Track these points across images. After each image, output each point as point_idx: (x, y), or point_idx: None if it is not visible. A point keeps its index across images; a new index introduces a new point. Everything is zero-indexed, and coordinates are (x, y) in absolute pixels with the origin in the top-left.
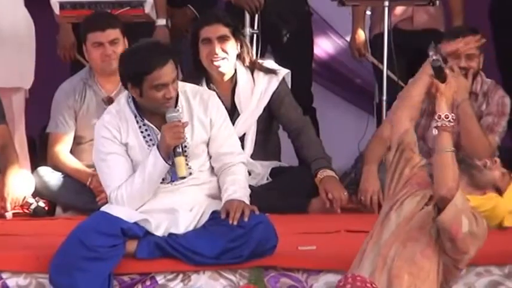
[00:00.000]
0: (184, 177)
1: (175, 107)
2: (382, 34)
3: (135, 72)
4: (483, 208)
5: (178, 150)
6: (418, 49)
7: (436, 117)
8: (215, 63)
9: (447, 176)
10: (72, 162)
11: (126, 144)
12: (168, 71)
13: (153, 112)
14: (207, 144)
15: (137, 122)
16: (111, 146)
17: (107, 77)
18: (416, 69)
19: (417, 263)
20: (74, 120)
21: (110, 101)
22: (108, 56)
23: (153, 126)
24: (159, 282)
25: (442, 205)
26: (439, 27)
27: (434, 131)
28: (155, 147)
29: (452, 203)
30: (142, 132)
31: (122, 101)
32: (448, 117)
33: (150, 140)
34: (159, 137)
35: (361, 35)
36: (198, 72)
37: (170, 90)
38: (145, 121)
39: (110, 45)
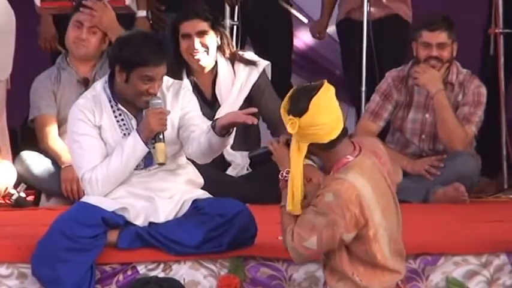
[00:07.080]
0: (163, 164)
1: None
2: (343, 20)
3: (130, 60)
4: None
5: (160, 136)
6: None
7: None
8: (195, 57)
9: (283, 235)
10: (59, 147)
11: (99, 127)
12: (161, 69)
13: (128, 101)
14: (178, 132)
15: (111, 106)
16: (85, 128)
17: (82, 61)
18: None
19: (336, 268)
20: (55, 102)
21: (85, 81)
22: (82, 40)
23: (126, 111)
24: (140, 271)
25: None
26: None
27: None
28: (135, 130)
29: (292, 255)
30: (116, 116)
31: (98, 87)
32: (283, 175)
33: (124, 124)
34: (132, 122)
35: (323, 23)
36: (178, 64)
37: (155, 86)
38: (119, 106)
39: (87, 31)
